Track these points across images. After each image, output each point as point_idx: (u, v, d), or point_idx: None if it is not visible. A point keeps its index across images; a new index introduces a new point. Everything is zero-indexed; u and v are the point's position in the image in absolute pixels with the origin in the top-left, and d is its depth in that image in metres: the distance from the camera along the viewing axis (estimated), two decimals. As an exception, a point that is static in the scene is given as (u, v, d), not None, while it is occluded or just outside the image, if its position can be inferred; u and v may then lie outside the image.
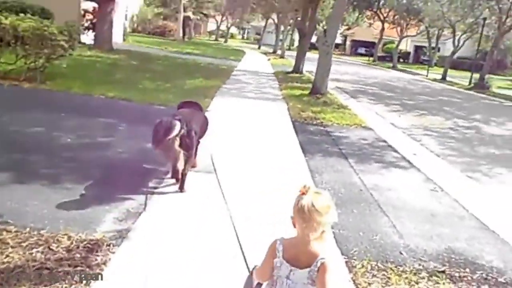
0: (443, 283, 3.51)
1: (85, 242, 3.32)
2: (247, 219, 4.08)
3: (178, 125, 4.33)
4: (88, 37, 19.91)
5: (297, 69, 19.39)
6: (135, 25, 42.07)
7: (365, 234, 4.19)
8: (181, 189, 4.62)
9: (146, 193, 4.43)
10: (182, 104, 5.49)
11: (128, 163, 5.64)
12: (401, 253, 3.92)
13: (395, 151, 7.89)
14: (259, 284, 2.20)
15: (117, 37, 25.02)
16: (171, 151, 4.44)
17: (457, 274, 3.66)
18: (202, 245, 3.55)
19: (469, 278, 3.64)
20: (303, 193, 1.97)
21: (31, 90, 9.17)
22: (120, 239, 3.47)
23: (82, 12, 20.55)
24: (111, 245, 3.34)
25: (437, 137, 9.85)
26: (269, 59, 30.13)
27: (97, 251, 3.20)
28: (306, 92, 13.45)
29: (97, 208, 4.05)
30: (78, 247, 3.25)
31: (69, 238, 3.39)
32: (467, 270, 3.76)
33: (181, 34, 37.14)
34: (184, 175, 4.60)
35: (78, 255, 3.15)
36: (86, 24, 20.66)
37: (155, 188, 4.76)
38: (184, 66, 17.00)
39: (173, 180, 4.86)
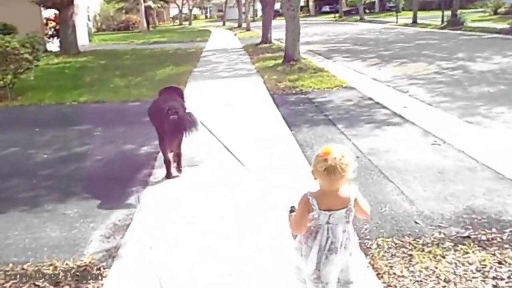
0: (473, 251, 3.10)
1: (73, 271, 3.04)
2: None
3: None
4: (54, 45, 19.31)
5: (265, 39, 18.97)
6: (99, 24, 41.00)
7: (373, 208, 3.46)
8: (180, 169, 4.83)
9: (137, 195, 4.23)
10: (163, 90, 5.47)
11: (108, 171, 5.33)
12: (416, 223, 3.54)
13: (384, 107, 7.62)
14: (294, 236, 2.33)
15: (82, 39, 24.27)
16: (180, 140, 4.76)
17: (484, 237, 3.27)
18: (199, 257, 3.22)
19: (499, 239, 3.24)
20: (325, 157, 2.11)
21: (2, 109, 8.80)
22: (110, 259, 3.18)
23: (45, 21, 19.84)
24: (102, 268, 3.06)
25: (424, 85, 9.52)
26: (235, 34, 29.54)
27: (87, 279, 2.91)
28: (279, 61, 13.09)
29: (81, 227, 3.76)
30: (66, 278, 2.97)
31: (55, 268, 3.10)
32: (494, 230, 3.36)
33: (145, 25, 36.20)
34: (180, 156, 4.85)
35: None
36: (50, 32, 20.03)
37: (144, 186, 4.55)
38: (152, 57, 16.48)
39: (159, 178, 4.73)
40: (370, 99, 8.36)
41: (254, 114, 7.66)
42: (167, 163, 4.74)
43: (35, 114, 8.43)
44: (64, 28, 16.81)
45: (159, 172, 4.94)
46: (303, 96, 8.98)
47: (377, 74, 11.12)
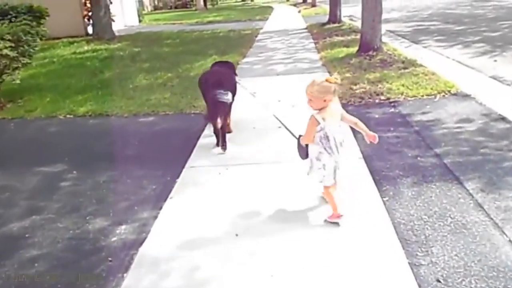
0: None
1: None
2: None
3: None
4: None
5: (334, 17, 15.68)
6: (156, 1, 39.20)
7: None
8: (224, 145, 4.85)
9: None
10: (215, 63, 5.69)
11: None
12: None
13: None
14: (306, 145, 3.32)
15: (131, 20, 22.24)
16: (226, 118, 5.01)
17: None
18: None
19: None
20: (329, 81, 3.11)
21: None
22: None
23: (83, 0, 17.69)
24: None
25: None
26: (299, 11, 26.25)
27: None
28: (353, 49, 10.00)
29: None
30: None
31: None
32: None
33: (202, 3, 33.72)
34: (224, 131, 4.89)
35: None
36: (90, 14, 17.89)
37: None
38: (197, 41, 13.87)
39: None
40: (504, 119, 5.24)
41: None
42: (216, 132, 4.91)
43: (7, 136, 6.12)
44: (96, 9, 14.50)
45: None
46: (392, 109, 5.99)
47: (496, 69, 7.81)
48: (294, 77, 8.17)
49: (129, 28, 20.52)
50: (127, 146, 5.30)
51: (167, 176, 4.44)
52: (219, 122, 4.75)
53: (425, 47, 10.78)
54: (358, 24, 15.84)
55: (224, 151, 4.81)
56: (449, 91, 6.46)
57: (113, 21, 16.80)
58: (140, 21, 23.10)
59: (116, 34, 16.59)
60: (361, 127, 3.36)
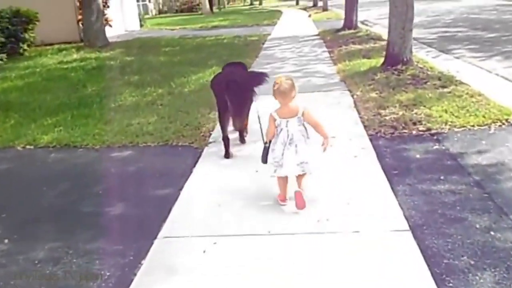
0: None
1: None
2: None
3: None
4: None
5: (349, 23, 14.29)
6: (160, 5, 38.11)
7: None
8: (243, 140, 4.97)
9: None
10: (226, 66, 5.37)
11: None
12: None
13: None
14: (269, 142, 3.54)
15: (132, 25, 21.01)
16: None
17: None
18: None
19: None
20: (278, 83, 3.39)
21: None
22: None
23: (78, 4, 16.43)
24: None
25: None
26: (309, 15, 24.91)
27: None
28: (375, 61, 8.64)
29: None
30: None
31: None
32: None
33: (207, 7, 32.50)
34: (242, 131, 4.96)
35: None
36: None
37: None
38: (199, 49, 12.55)
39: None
40: None
41: (341, 195, 3.53)
42: (225, 140, 4.62)
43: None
44: (87, 13, 13.21)
45: None
46: (436, 146, 4.61)
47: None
48: (307, 96, 6.79)
49: (129, 33, 19.31)
50: (85, 198, 3.97)
51: (129, 253, 3.11)
52: (237, 124, 4.69)
53: (457, 57, 9.37)
54: (375, 30, 14.52)
55: (243, 143, 4.97)
56: (506, 120, 5.07)
57: (110, 26, 15.61)
58: (141, 25, 21.89)
59: (115, 39, 15.46)
60: (320, 130, 3.52)
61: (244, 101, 4.55)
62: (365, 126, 5.34)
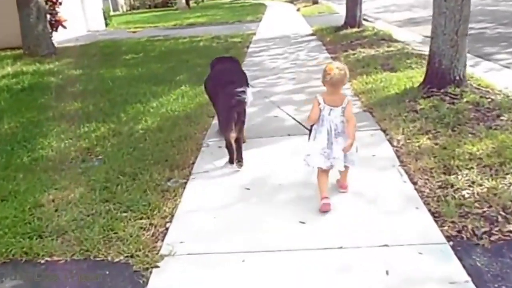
0: None
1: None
2: None
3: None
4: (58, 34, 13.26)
5: (352, 20, 11.82)
6: (132, 0, 35.26)
7: None
8: (240, 160, 4.08)
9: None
10: (216, 61, 4.72)
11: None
12: None
13: None
14: (312, 126, 3.31)
15: (95, 24, 18.28)
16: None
17: None
18: None
19: None
20: (331, 74, 3.11)
21: None
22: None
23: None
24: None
25: None
26: (298, 9, 22.44)
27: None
28: (405, 75, 6.34)
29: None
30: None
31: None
32: None
33: (183, 1, 29.79)
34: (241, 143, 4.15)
35: None
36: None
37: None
38: (166, 57, 10.03)
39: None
40: None
41: None
42: (229, 147, 4.10)
43: None
44: (23, 14, 10.48)
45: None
46: None
47: None
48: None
49: (92, 34, 16.65)
50: None
51: None
52: (233, 134, 4.02)
53: (506, 66, 7.07)
54: (379, 26, 12.17)
55: (241, 167, 4.04)
56: None
57: (64, 27, 12.93)
58: (107, 24, 19.14)
59: (71, 43, 12.84)
60: (351, 128, 3.25)
61: (243, 103, 4.04)
62: (433, 215, 3.00)
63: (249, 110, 5.52)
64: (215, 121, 5.32)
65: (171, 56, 10.07)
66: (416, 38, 10.43)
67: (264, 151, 4.44)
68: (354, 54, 8.64)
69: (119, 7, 30.89)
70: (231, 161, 4.12)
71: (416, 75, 6.39)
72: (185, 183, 3.87)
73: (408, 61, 7.52)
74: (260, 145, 4.58)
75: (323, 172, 3.32)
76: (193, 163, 4.26)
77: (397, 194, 3.43)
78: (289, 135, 4.78)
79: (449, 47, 5.28)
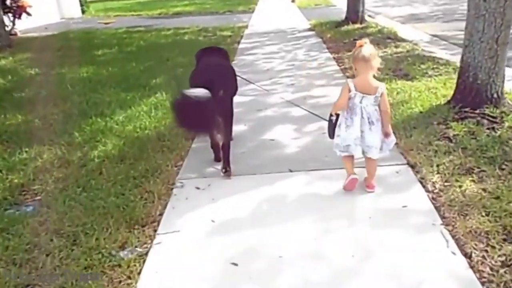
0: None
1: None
2: None
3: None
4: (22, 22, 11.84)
5: (354, 15, 10.57)
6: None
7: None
8: (227, 169, 3.49)
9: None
10: (202, 52, 3.99)
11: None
12: None
13: None
14: (337, 115, 3.11)
15: (70, 10, 16.79)
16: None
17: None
18: None
19: None
20: (361, 46, 2.92)
21: None
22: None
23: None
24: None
25: None
26: (293, 1, 21.10)
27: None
28: (426, 87, 5.28)
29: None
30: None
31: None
32: None
33: (171, -13, 28.19)
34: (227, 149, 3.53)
35: None
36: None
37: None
38: (145, 53, 8.76)
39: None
40: None
41: None
42: (214, 146, 3.72)
43: None
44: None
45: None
46: None
47: None
48: (327, 175, 3.30)
49: (65, 23, 15.21)
50: None
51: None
52: (218, 136, 3.61)
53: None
54: (381, 22, 10.99)
55: (229, 176, 3.49)
56: None
57: (28, 14, 11.54)
58: (83, 11, 17.64)
59: (37, 33, 11.49)
60: (386, 119, 3.08)
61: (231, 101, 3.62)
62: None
63: (238, 128, 4.39)
64: (195, 145, 4.15)
65: (149, 52, 8.80)
66: (423, 37, 9.32)
67: (257, 197, 3.28)
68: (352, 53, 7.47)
69: (103, -8, 29.23)
70: (217, 159, 3.72)
71: (438, 87, 5.33)
72: (146, 252, 2.70)
73: (423, 66, 6.43)
74: (252, 187, 3.41)
75: (348, 158, 3.19)
76: (161, 214, 3.10)
77: (446, 275, 2.35)
78: (291, 171, 3.63)
79: (487, 58, 4.19)
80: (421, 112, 4.53)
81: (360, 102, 2.99)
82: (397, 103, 4.86)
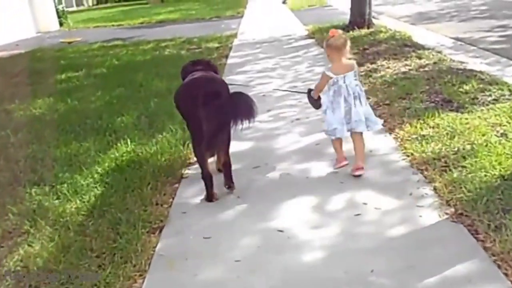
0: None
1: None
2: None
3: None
4: None
5: (360, 18, 9.14)
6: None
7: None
8: (231, 185, 3.27)
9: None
10: (191, 66, 3.57)
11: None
12: None
13: None
14: (319, 97, 3.43)
15: (47, 23, 15.36)
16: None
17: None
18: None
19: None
20: (333, 36, 3.22)
21: None
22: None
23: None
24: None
25: None
26: (284, 1, 19.72)
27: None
28: (486, 123, 3.83)
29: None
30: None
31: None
32: None
33: (154, -6, 26.86)
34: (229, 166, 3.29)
35: None
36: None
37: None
38: (115, 77, 7.31)
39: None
40: None
41: None
42: (207, 178, 3.17)
43: None
44: None
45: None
46: None
47: None
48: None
49: (40, 37, 13.82)
50: None
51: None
52: (221, 157, 3.33)
53: None
54: (387, 23, 9.58)
55: (233, 190, 3.28)
56: None
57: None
58: (61, 24, 16.17)
59: (5, 52, 10.08)
60: None
61: (227, 118, 3.02)
62: None
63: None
64: (160, 247, 2.75)
65: (122, 74, 7.37)
66: (444, 42, 7.96)
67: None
68: (376, 70, 6.12)
69: (84, 1, 27.78)
70: (208, 198, 3.21)
71: (504, 122, 3.88)
72: None
73: (466, 87, 4.98)
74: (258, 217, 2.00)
75: (337, 141, 3.41)
76: None
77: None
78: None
79: None
80: (502, 177, 3.05)
81: (344, 82, 3.23)
82: (457, 160, 3.33)
